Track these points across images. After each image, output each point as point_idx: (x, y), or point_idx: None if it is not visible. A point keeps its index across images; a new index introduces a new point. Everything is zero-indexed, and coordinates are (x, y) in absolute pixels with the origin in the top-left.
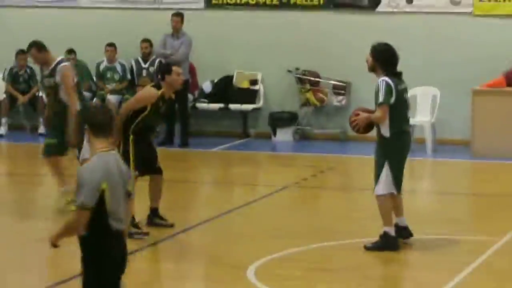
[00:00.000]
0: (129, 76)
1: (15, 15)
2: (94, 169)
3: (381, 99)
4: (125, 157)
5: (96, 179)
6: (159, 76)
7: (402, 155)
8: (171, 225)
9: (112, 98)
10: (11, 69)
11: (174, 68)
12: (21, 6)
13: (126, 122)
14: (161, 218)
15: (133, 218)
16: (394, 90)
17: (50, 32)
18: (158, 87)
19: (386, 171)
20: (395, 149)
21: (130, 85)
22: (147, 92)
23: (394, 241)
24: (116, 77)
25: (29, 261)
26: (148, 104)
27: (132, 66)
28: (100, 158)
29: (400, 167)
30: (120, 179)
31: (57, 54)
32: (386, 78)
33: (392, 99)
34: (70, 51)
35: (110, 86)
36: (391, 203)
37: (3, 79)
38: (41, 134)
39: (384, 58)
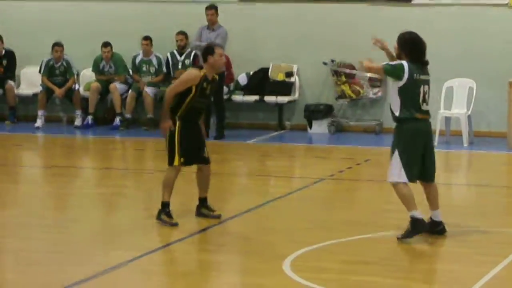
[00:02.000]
0: (165, 69)
1: (51, 8)
2: None
3: (385, 63)
4: (171, 143)
5: None
6: (202, 58)
7: (412, 143)
8: (218, 216)
9: (149, 91)
10: (47, 61)
11: (216, 49)
12: None
13: (173, 108)
14: (209, 209)
15: (167, 204)
16: (407, 73)
17: (86, 24)
18: (200, 68)
19: (395, 159)
20: (405, 136)
21: (166, 78)
22: (190, 74)
23: (421, 222)
24: (152, 70)
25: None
26: (192, 85)
27: (168, 59)
28: None
29: (411, 156)
30: None
31: (94, 47)
32: (405, 62)
33: (401, 81)
34: (106, 44)
35: (146, 79)
36: (407, 188)
37: (40, 71)
38: (77, 127)
39: (409, 47)
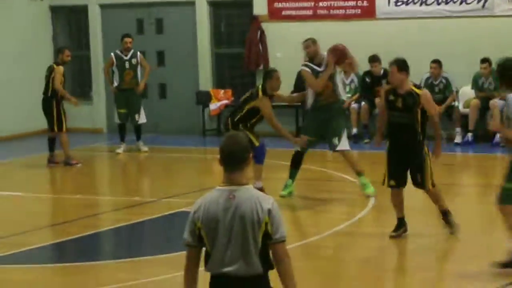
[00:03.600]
0: None
1: (429, 26)
2: (195, 203)
3: None
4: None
5: (191, 214)
6: None
7: None
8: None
9: None
10: (426, 78)
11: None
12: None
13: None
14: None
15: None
16: None
17: (465, 41)
18: None
19: None
20: None
21: None
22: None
23: None
24: None
25: None
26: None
27: None
28: (209, 192)
29: None
30: (230, 220)
31: (473, 63)
32: None
33: None
34: (483, 60)
35: None
36: None
37: None
38: (457, 144)
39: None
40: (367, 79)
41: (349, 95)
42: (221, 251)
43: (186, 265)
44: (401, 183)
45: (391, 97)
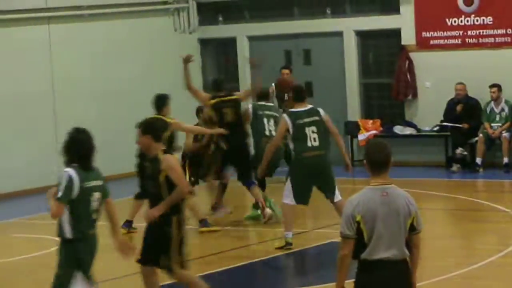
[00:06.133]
0: None
1: None
2: (351, 201)
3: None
4: None
5: (350, 211)
6: None
7: None
8: None
9: None
10: None
11: None
12: None
13: None
14: None
15: None
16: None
17: None
18: None
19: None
20: None
21: None
22: None
23: None
24: None
25: None
26: None
27: None
28: (363, 192)
29: None
30: (387, 213)
31: None
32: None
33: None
34: None
35: None
36: None
37: None
38: None
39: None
40: None
41: (500, 124)
42: (379, 240)
43: (344, 255)
44: (148, 261)
45: (145, 163)
